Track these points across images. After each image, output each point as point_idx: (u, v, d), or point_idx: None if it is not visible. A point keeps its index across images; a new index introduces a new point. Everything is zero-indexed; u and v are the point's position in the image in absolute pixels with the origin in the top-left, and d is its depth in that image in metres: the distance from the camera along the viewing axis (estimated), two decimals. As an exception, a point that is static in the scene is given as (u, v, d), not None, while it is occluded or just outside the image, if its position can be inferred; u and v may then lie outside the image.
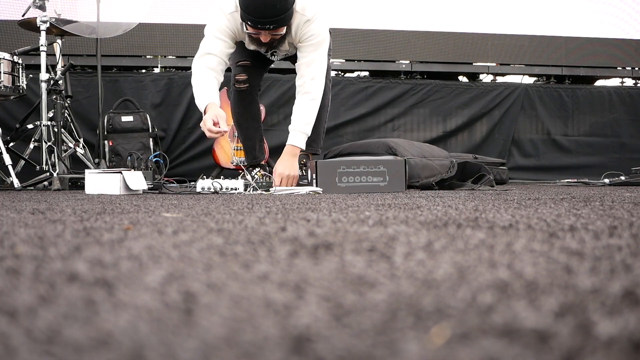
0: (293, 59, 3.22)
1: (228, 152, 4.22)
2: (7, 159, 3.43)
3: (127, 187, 2.69)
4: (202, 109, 2.89)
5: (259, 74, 3.38)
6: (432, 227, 1.05)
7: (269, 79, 5.00)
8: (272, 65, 3.47)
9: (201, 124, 2.82)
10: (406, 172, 3.03)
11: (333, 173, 2.91)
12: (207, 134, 2.79)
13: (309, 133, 3.05)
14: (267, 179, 2.94)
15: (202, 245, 0.81)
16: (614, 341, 0.38)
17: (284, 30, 2.90)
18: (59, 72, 3.77)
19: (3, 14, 4.58)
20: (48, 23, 3.64)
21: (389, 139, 4.14)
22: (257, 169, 3.24)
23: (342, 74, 5.44)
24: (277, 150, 4.42)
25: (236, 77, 3.26)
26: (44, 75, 3.64)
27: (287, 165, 2.98)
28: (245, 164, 3.52)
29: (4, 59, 3.51)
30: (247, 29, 2.88)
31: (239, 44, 3.12)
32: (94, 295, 0.51)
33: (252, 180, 2.86)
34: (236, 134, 4.20)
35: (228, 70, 5.10)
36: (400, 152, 3.53)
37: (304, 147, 3.05)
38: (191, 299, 0.50)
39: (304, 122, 3.02)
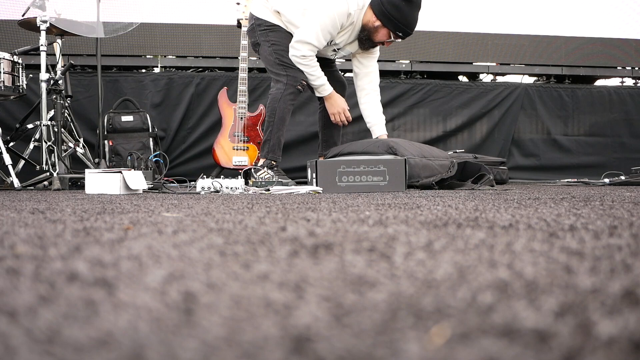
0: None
1: (228, 152, 4.22)
2: (7, 159, 3.43)
3: (127, 187, 2.69)
4: (326, 89, 3.57)
5: None
6: (432, 227, 1.05)
7: (268, 78, 4.99)
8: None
9: (335, 109, 3.61)
10: (406, 172, 3.03)
11: (333, 172, 2.91)
12: (340, 119, 3.64)
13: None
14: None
15: (202, 245, 0.81)
16: (614, 341, 0.38)
17: None
18: (59, 72, 3.77)
19: (3, 14, 4.58)
20: (48, 23, 3.64)
21: (390, 138, 4.14)
22: (275, 168, 3.36)
23: (342, 74, 5.43)
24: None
25: (302, 80, 3.54)
26: (44, 75, 3.64)
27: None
28: (246, 164, 3.66)
29: (4, 58, 3.51)
30: (390, 38, 3.43)
31: None
32: (94, 295, 0.51)
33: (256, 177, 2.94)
34: (236, 133, 4.21)
35: (228, 69, 5.09)
36: (401, 151, 3.53)
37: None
38: (191, 299, 0.50)
39: (383, 117, 3.82)
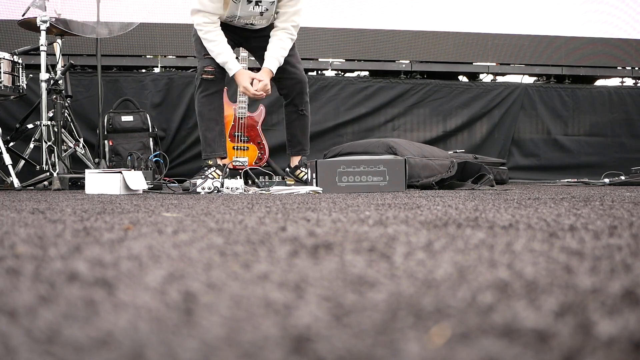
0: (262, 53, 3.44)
1: (228, 151, 4.22)
2: (7, 159, 3.43)
3: (127, 187, 2.69)
4: (229, 67, 3.30)
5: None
6: (432, 227, 1.05)
7: (269, 78, 5.00)
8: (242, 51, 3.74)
9: (245, 89, 3.30)
10: (406, 172, 3.04)
11: (333, 173, 2.91)
12: (253, 95, 3.31)
13: (282, 62, 3.38)
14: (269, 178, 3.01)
15: (202, 245, 0.81)
16: (614, 341, 0.38)
17: None
18: (59, 72, 3.77)
19: (3, 14, 4.58)
20: (48, 23, 3.64)
21: (390, 138, 4.14)
22: (213, 169, 3.31)
23: (342, 74, 5.44)
24: (277, 150, 4.43)
25: (205, 68, 3.35)
26: (44, 75, 3.64)
27: (262, 76, 3.32)
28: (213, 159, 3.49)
29: (4, 58, 3.51)
30: None
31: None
32: (94, 295, 0.51)
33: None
34: (236, 133, 4.21)
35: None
36: (401, 151, 3.53)
37: (274, 72, 3.36)
38: (191, 299, 0.50)
39: (281, 54, 3.35)
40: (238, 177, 2.91)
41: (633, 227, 1.03)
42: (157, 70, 5.12)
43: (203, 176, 3.24)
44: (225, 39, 3.32)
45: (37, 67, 3.72)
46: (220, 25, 3.32)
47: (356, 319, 0.44)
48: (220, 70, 3.35)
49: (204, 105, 3.37)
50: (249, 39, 3.50)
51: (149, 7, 4.65)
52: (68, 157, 3.90)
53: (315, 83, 5.04)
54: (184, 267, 0.65)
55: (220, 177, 3.17)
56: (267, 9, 3.32)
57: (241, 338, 0.39)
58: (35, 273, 0.61)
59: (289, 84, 3.49)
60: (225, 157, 3.51)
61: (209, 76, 3.34)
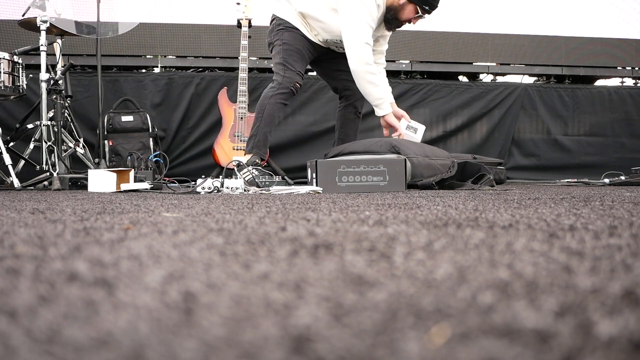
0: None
1: (228, 152, 4.22)
2: (7, 159, 3.43)
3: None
4: (383, 108, 3.65)
5: None
6: (432, 227, 1.05)
7: (268, 78, 4.99)
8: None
9: (393, 121, 3.65)
10: (406, 172, 3.03)
11: (333, 172, 2.91)
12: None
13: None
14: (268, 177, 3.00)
15: (202, 245, 0.81)
16: (614, 341, 0.38)
17: None
18: (59, 72, 3.77)
19: (3, 14, 4.58)
20: (48, 23, 3.64)
21: (392, 138, 4.14)
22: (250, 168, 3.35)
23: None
24: (277, 150, 4.44)
25: (297, 82, 3.55)
26: (44, 75, 3.64)
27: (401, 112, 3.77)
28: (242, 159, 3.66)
29: (4, 58, 3.51)
30: (416, 14, 3.47)
31: (307, 49, 3.58)
32: (94, 295, 0.51)
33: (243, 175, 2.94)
34: (236, 133, 4.21)
35: (228, 69, 5.08)
36: (404, 150, 3.53)
37: None
38: (191, 299, 0.50)
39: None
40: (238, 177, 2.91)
41: (633, 227, 1.03)
42: (157, 70, 5.12)
43: (254, 174, 3.30)
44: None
45: (37, 67, 3.72)
46: (306, 40, 3.55)
47: (356, 319, 0.44)
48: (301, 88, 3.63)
49: (279, 110, 3.56)
50: (325, 58, 3.72)
51: (149, 7, 4.65)
52: (68, 157, 3.90)
53: (316, 83, 5.04)
54: (184, 267, 0.65)
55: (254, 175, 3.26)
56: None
57: (241, 338, 0.39)
58: (35, 273, 0.61)
59: (355, 87, 3.69)
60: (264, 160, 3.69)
61: (295, 90, 3.56)
